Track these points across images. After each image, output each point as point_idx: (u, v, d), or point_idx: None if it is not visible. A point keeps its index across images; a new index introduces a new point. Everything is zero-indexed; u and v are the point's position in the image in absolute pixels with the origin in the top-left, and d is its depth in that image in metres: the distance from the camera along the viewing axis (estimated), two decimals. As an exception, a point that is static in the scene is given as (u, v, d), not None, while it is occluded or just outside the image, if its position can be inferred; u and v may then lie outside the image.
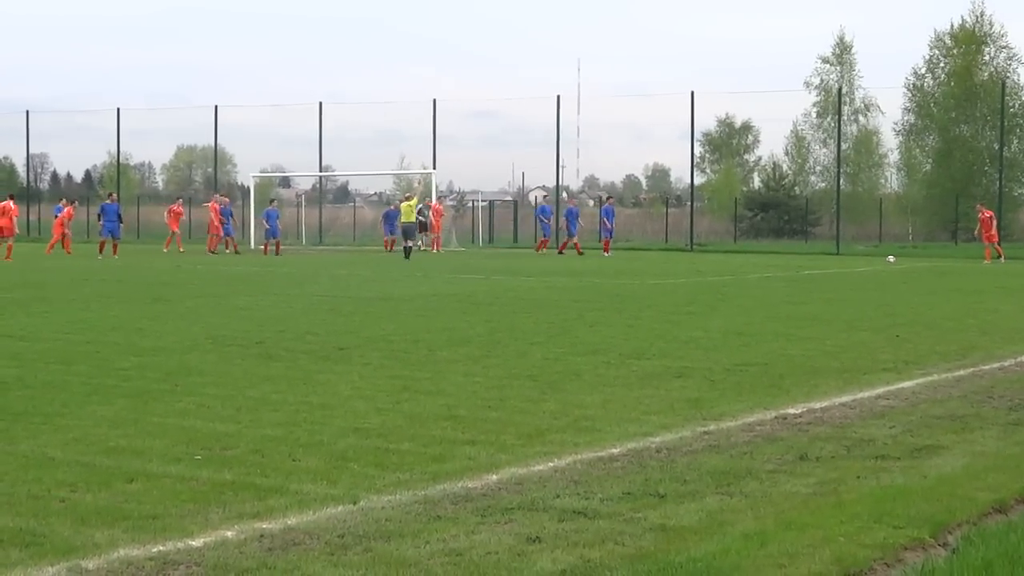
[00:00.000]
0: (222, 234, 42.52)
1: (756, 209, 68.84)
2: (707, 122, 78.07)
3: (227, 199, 45.87)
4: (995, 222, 39.12)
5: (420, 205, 41.72)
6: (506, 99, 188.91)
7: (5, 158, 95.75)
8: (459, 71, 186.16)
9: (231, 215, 44.52)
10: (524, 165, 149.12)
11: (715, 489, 6.54)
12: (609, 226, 43.87)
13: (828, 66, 67.55)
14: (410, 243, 37.37)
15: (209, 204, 44.03)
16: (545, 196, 48.09)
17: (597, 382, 10.44)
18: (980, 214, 39.01)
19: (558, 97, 52.44)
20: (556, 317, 16.60)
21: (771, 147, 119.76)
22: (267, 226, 42.40)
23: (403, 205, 39.44)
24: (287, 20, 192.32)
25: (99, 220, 39.84)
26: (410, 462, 7.12)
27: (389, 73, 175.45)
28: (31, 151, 66.21)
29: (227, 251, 42.11)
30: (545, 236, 45.73)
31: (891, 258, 38.35)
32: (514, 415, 8.76)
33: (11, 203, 37.21)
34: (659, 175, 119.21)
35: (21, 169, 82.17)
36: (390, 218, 45.50)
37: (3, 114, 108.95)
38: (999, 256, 37.73)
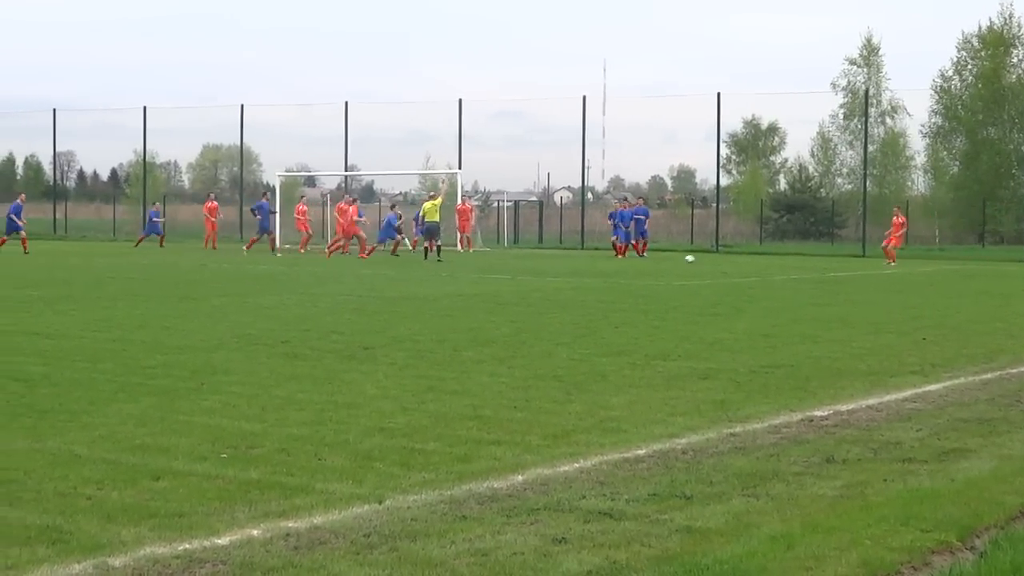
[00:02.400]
0: (350, 236, 39.91)
1: (782, 211, 68.58)
2: (733, 123, 77.86)
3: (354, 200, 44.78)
4: (904, 228, 38.90)
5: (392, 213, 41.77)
6: (532, 99, 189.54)
7: (32, 156, 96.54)
8: (485, 71, 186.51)
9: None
10: (550, 165, 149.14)
11: (741, 491, 6.52)
12: (626, 228, 42.21)
13: (855, 68, 67.24)
14: (431, 243, 36.51)
15: (340, 205, 41.18)
16: (624, 200, 47.05)
17: (623, 383, 10.42)
18: (896, 218, 38.71)
19: (584, 98, 52.32)
20: (581, 318, 16.58)
21: (797, 149, 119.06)
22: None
23: (426, 205, 38.49)
24: (313, 20, 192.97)
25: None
26: (436, 462, 7.13)
27: (415, 73, 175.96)
28: (57, 149, 66.60)
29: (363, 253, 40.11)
30: (628, 240, 42.39)
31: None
32: (540, 415, 8.75)
33: (214, 202, 38.42)
34: (685, 176, 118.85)
35: (48, 167, 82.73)
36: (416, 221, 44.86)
37: (30, 112, 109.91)
38: (890, 260, 37.08)
